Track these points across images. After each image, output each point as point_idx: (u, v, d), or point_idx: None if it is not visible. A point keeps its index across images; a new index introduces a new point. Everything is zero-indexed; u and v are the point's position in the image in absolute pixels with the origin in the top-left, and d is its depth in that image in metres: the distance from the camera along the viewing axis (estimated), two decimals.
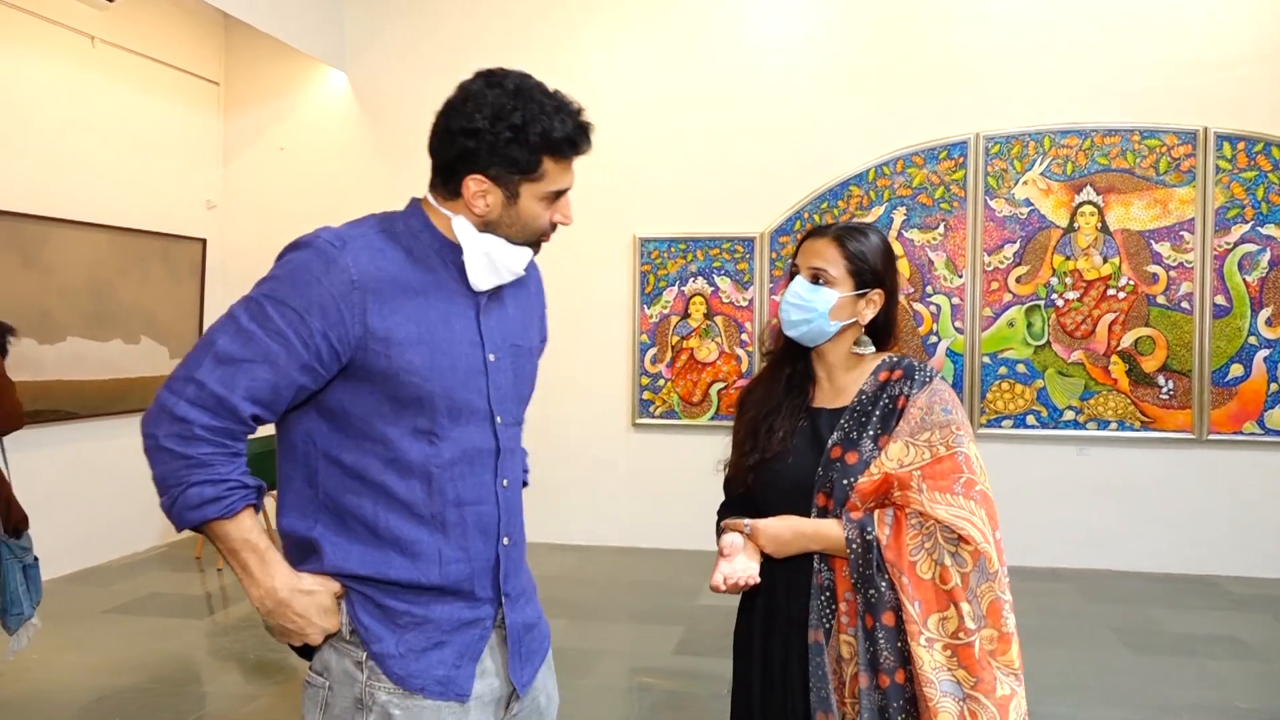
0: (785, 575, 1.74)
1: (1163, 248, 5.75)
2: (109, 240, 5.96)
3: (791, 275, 1.82)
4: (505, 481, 1.52)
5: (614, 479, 6.49)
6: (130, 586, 5.50)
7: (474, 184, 1.46)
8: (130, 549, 6.21)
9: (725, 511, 1.90)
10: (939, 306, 5.99)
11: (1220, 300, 5.67)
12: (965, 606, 1.59)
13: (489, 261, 1.49)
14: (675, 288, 6.36)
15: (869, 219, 6.06)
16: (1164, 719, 3.71)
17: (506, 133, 1.43)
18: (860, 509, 1.68)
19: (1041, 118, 5.89)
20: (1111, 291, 5.81)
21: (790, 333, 1.82)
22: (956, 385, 5.96)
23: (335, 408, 1.44)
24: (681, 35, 6.42)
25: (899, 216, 6.04)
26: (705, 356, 6.33)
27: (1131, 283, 5.79)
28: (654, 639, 4.63)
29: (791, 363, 1.87)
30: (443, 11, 6.77)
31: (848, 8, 6.22)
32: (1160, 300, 5.75)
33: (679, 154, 6.39)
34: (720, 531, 1.84)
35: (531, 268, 1.67)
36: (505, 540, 1.52)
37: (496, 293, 1.55)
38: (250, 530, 1.40)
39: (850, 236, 1.80)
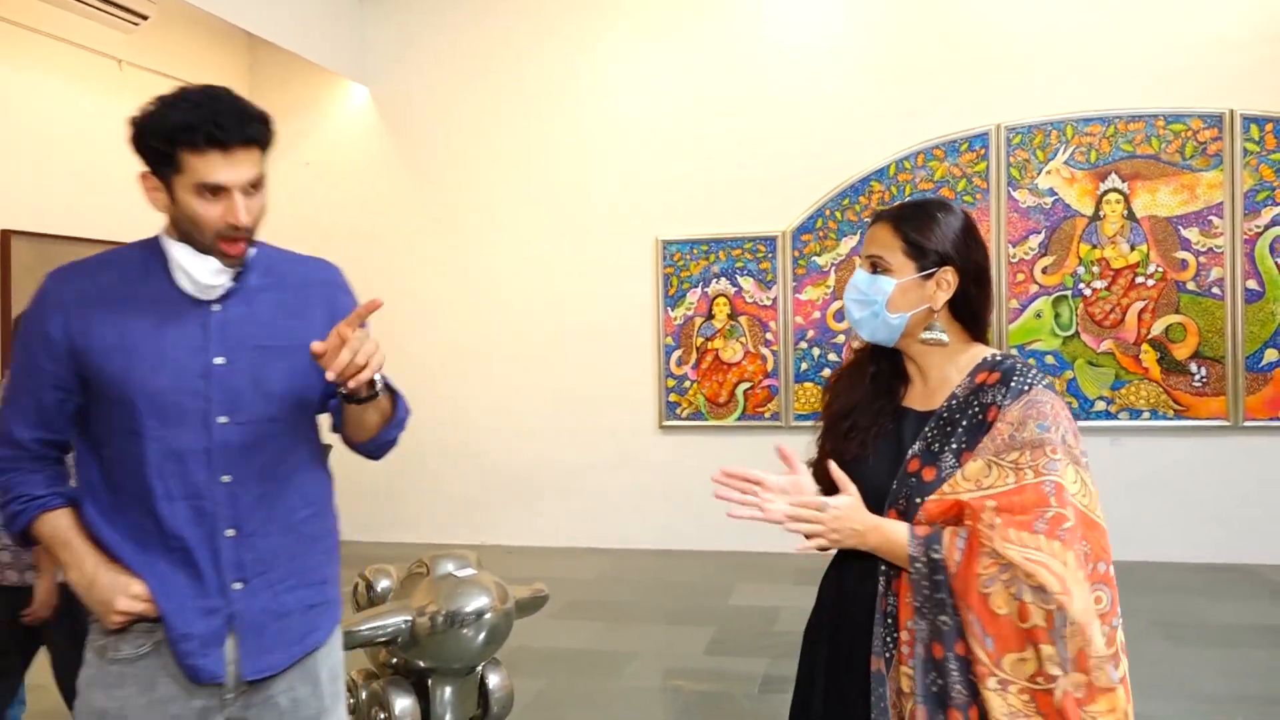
0: (851, 597, 1.61)
1: (1191, 233, 5.67)
2: None
3: None
4: (227, 478, 1.59)
5: (643, 482, 6.51)
6: None
7: (145, 182, 1.58)
8: None
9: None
10: None
11: (1252, 285, 5.58)
12: (1046, 649, 1.37)
13: (183, 271, 1.58)
14: (698, 289, 6.37)
15: None
16: (1207, 711, 3.66)
17: (146, 127, 1.52)
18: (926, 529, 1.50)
19: (1063, 106, 5.83)
20: (1140, 279, 5.74)
21: (863, 333, 1.63)
22: None
23: (80, 420, 1.64)
24: (699, 37, 6.43)
25: None
26: (730, 357, 6.33)
27: (1160, 270, 5.71)
28: (685, 640, 4.64)
29: (878, 361, 1.68)
30: (463, 22, 6.83)
31: (865, 2, 6.20)
32: (1190, 286, 5.68)
33: (699, 155, 6.40)
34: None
35: (318, 270, 1.76)
36: (231, 532, 1.59)
37: (240, 296, 1.62)
38: (57, 530, 1.60)
39: (907, 215, 1.61)
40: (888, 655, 1.52)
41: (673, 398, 6.42)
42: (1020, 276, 5.88)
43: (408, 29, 6.92)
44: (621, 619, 5.03)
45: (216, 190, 1.52)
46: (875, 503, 1.54)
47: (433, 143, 6.90)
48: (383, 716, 2.64)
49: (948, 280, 1.57)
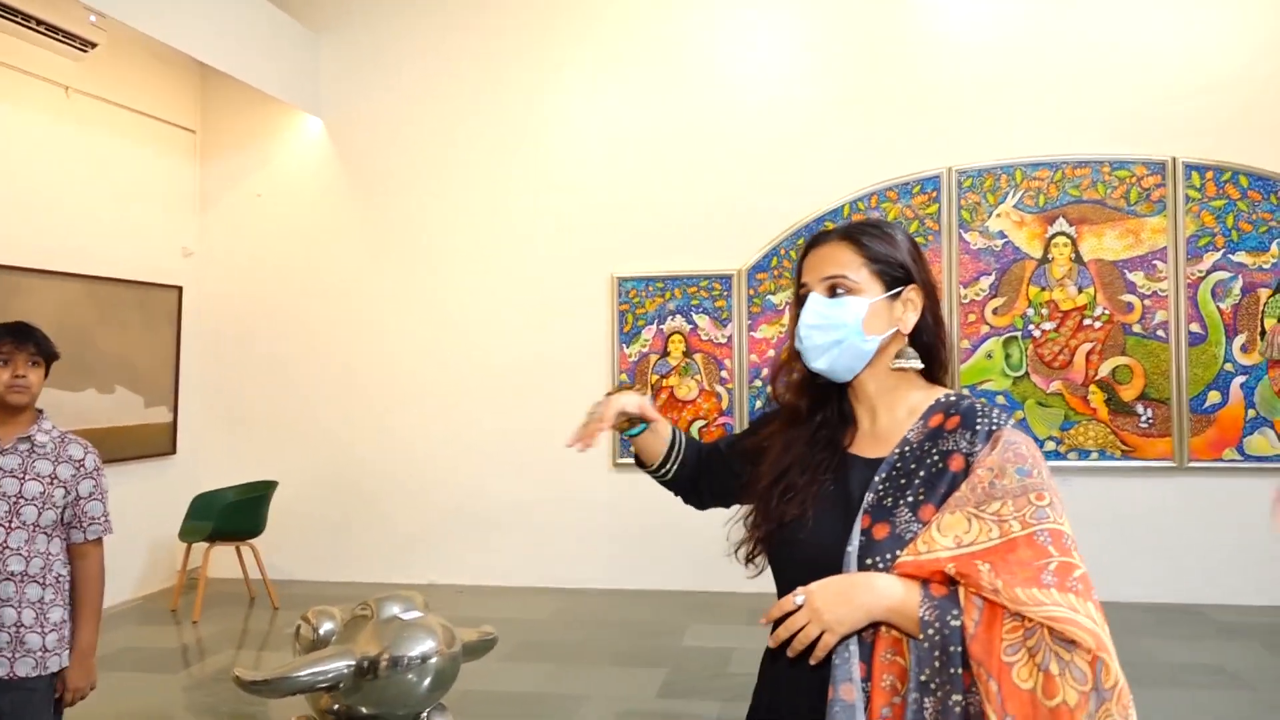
0: (789, 692, 1.40)
1: (1136, 277, 5.79)
2: (85, 289, 5.92)
3: (800, 301, 1.47)
4: None
5: (596, 520, 6.43)
6: (104, 641, 5.36)
7: None
8: (104, 602, 6.08)
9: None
10: None
11: (1195, 328, 5.71)
12: None
13: None
14: (654, 326, 6.36)
15: None
16: None
17: None
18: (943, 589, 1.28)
19: (1012, 151, 5.96)
20: (1087, 321, 5.84)
21: (818, 364, 1.44)
22: None
23: None
24: (657, 75, 6.48)
25: None
26: (685, 394, 6.32)
27: (1107, 312, 5.82)
28: (638, 682, 4.56)
29: (820, 409, 1.50)
30: (417, 54, 6.82)
31: (821, 46, 6.30)
32: (1136, 329, 5.79)
33: (656, 193, 6.42)
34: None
35: None
36: None
37: None
38: None
39: (863, 231, 1.46)
40: None
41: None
42: (972, 317, 5.96)
43: (362, 60, 6.89)
44: (572, 660, 4.94)
45: None
46: (825, 569, 1.33)
47: (387, 175, 6.84)
48: None
49: (914, 300, 1.44)
